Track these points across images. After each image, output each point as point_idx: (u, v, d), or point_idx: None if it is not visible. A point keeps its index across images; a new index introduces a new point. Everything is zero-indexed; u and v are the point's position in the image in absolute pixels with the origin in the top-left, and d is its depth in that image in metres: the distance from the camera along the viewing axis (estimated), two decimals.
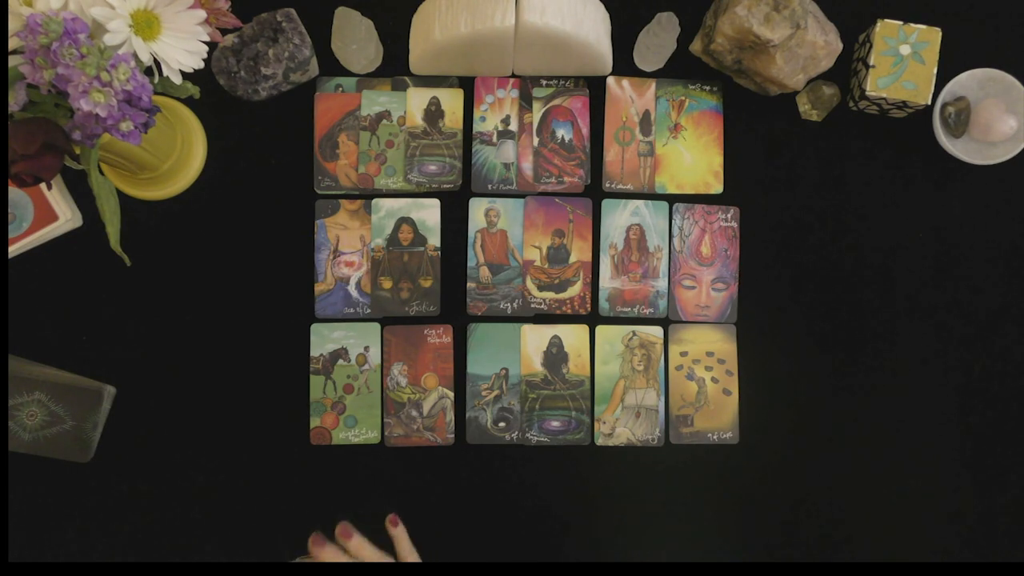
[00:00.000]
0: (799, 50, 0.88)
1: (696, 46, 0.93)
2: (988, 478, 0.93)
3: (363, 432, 0.91)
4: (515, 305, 0.93)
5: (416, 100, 0.95)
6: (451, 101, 0.95)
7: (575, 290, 0.94)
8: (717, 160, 0.95)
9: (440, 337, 0.92)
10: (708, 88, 0.96)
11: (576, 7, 0.88)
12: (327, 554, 0.79)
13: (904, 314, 0.94)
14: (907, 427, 0.93)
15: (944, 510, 0.92)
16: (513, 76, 0.96)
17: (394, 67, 0.95)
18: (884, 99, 0.90)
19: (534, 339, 0.93)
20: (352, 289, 0.93)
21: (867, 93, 0.90)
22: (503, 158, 0.94)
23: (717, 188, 0.95)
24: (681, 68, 0.96)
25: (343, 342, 0.92)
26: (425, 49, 0.91)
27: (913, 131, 0.95)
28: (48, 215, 0.91)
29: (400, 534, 0.83)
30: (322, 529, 0.80)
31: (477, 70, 0.95)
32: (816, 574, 0.88)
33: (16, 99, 0.66)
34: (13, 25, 0.66)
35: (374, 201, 0.94)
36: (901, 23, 0.90)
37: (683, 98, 0.96)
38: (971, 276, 0.94)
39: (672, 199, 0.95)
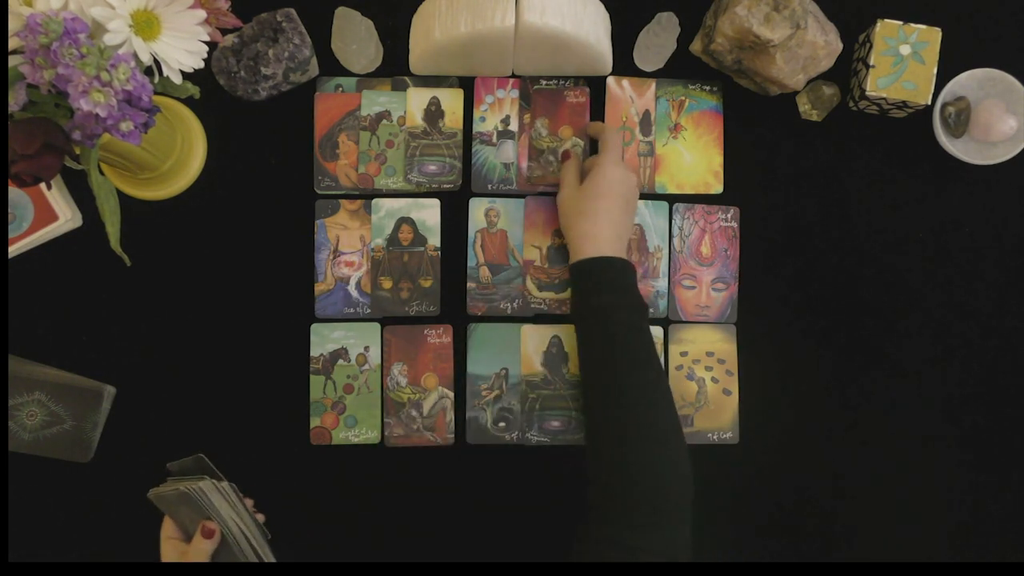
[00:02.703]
0: (799, 50, 0.88)
1: (696, 46, 0.93)
2: (988, 478, 0.93)
3: (363, 432, 0.91)
4: (515, 305, 0.93)
5: (416, 100, 0.95)
6: (451, 101, 0.95)
7: None
8: (717, 160, 0.95)
9: (440, 337, 0.92)
10: (708, 88, 0.96)
11: (576, 7, 0.88)
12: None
13: (904, 314, 0.94)
14: (907, 427, 0.93)
15: (944, 510, 0.92)
16: (513, 76, 0.96)
17: (394, 67, 0.95)
18: (884, 99, 0.90)
19: (534, 339, 0.93)
20: (352, 289, 0.93)
21: (867, 93, 0.90)
22: (503, 158, 0.94)
23: (717, 188, 0.95)
24: (681, 68, 0.96)
25: (343, 342, 0.92)
26: (425, 49, 0.91)
27: (913, 131, 0.95)
28: (48, 215, 0.91)
29: None
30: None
31: (477, 70, 0.95)
32: (816, 574, 0.88)
33: (16, 99, 0.66)
34: (13, 25, 0.66)
35: (374, 201, 0.94)
36: (901, 23, 0.90)
37: (683, 98, 0.96)
38: (971, 276, 0.94)
39: (672, 199, 0.95)
